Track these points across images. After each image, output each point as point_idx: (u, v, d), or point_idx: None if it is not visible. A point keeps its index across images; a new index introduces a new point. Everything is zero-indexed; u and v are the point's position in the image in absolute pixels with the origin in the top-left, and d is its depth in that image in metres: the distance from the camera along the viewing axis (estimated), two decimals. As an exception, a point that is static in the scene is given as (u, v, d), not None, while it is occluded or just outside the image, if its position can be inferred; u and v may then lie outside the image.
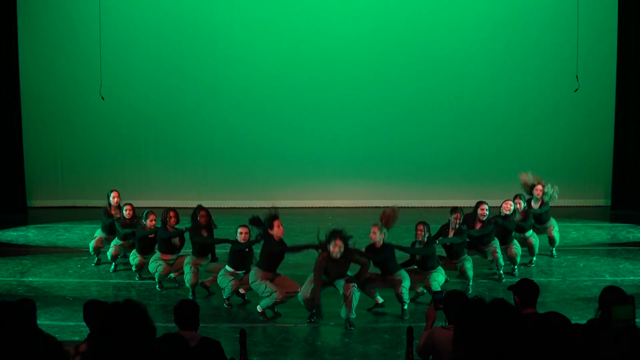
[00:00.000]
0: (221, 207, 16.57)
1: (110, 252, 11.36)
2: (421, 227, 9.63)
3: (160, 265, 10.39)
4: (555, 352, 4.73)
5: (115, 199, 11.64)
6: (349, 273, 9.07)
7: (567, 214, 15.55)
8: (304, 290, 9.00)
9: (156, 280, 10.51)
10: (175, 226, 10.61)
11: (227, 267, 9.60)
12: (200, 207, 10.15)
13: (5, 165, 16.81)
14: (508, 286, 5.78)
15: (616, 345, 4.84)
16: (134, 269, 10.94)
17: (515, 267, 11.06)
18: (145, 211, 10.99)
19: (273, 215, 9.19)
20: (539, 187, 11.73)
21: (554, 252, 12.06)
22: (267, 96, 17.42)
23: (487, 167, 16.97)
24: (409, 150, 17.22)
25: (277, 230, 9.05)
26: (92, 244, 11.76)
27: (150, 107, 17.51)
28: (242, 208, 15.73)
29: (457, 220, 10.24)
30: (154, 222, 10.80)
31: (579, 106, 17.04)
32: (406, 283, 9.19)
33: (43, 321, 8.52)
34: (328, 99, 17.42)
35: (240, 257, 9.53)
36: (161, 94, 17.52)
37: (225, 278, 9.52)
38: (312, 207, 16.67)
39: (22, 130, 17.08)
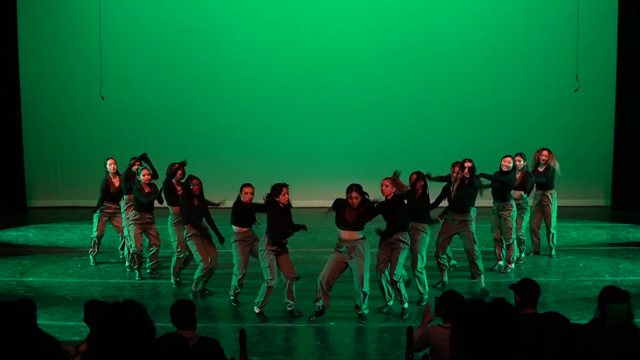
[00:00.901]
0: (221, 207, 16.57)
1: (130, 238, 11.24)
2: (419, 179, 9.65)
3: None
4: (555, 352, 4.73)
5: (112, 166, 11.62)
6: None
7: (567, 214, 15.56)
8: (323, 274, 8.94)
9: (171, 273, 10.59)
10: (181, 180, 10.52)
11: (234, 228, 9.54)
12: (192, 177, 10.14)
13: (5, 165, 16.83)
14: (509, 285, 5.79)
15: (616, 345, 4.84)
16: (132, 248, 10.87)
17: (513, 265, 11.12)
18: (140, 167, 10.97)
19: (282, 184, 9.19)
20: (545, 152, 11.73)
21: (553, 252, 12.06)
22: (266, 96, 17.44)
23: (487, 166, 16.95)
24: (409, 150, 17.22)
25: (282, 198, 9.04)
26: (94, 234, 11.66)
27: (150, 107, 17.53)
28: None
29: (458, 174, 10.20)
30: (148, 176, 10.78)
31: (579, 106, 17.06)
32: (401, 260, 9.08)
33: (43, 321, 8.52)
34: (328, 99, 17.43)
35: (247, 217, 9.51)
36: (161, 94, 17.53)
37: (237, 250, 9.46)
38: (312, 207, 16.67)
39: (22, 130, 17.11)
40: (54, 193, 17.72)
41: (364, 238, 8.94)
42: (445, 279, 10.40)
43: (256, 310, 9.10)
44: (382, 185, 9.20)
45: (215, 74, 17.49)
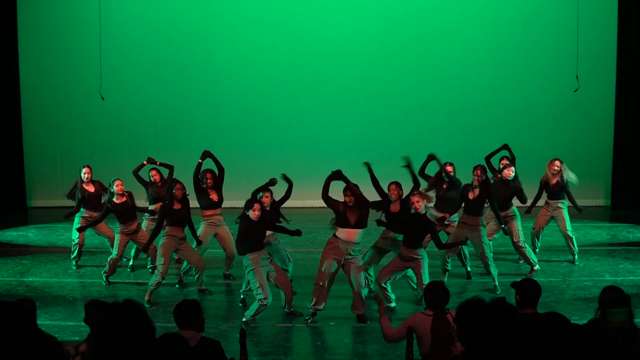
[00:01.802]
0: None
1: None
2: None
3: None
4: (555, 352, 4.73)
5: (87, 175, 11.57)
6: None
7: (567, 214, 15.51)
8: (322, 279, 8.96)
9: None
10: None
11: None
12: (175, 181, 10.05)
13: (5, 165, 16.82)
14: (511, 283, 5.79)
15: (616, 346, 4.84)
16: (113, 255, 10.76)
17: (537, 267, 11.06)
18: (112, 178, 10.82)
19: (255, 199, 9.17)
20: (557, 162, 11.57)
21: (576, 258, 11.68)
22: (266, 96, 17.44)
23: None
24: (409, 151, 17.16)
25: (252, 214, 8.94)
26: (75, 241, 11.51)
27: (150, 107, 17.53)
28: (241, 208, 15.72)
29: (478, 177, 10.12)
30: (121, 187, 10.65)
31: (579, 106, 17.06)
32: (425, 265, 9.01)
33: (43, 321, 8.52)
34: (328, 99, 17.43)
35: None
36: (161, 94, 17.54)
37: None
38: (312, 207, 16.67)
39: (22, 130, 17.11)
40: (54, 193, 17.69)
41: (359, 243, 8.99)
42: (445, 279, 10.42)
43: (244, 319, 8.87)
44: (413, 203, 9.00)
45: (215, 73, 17.49)
